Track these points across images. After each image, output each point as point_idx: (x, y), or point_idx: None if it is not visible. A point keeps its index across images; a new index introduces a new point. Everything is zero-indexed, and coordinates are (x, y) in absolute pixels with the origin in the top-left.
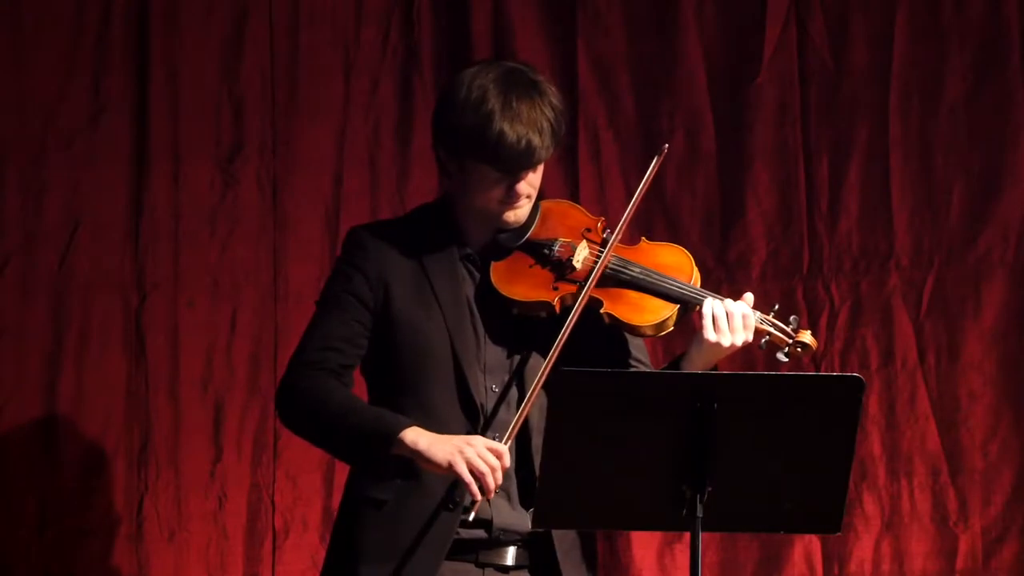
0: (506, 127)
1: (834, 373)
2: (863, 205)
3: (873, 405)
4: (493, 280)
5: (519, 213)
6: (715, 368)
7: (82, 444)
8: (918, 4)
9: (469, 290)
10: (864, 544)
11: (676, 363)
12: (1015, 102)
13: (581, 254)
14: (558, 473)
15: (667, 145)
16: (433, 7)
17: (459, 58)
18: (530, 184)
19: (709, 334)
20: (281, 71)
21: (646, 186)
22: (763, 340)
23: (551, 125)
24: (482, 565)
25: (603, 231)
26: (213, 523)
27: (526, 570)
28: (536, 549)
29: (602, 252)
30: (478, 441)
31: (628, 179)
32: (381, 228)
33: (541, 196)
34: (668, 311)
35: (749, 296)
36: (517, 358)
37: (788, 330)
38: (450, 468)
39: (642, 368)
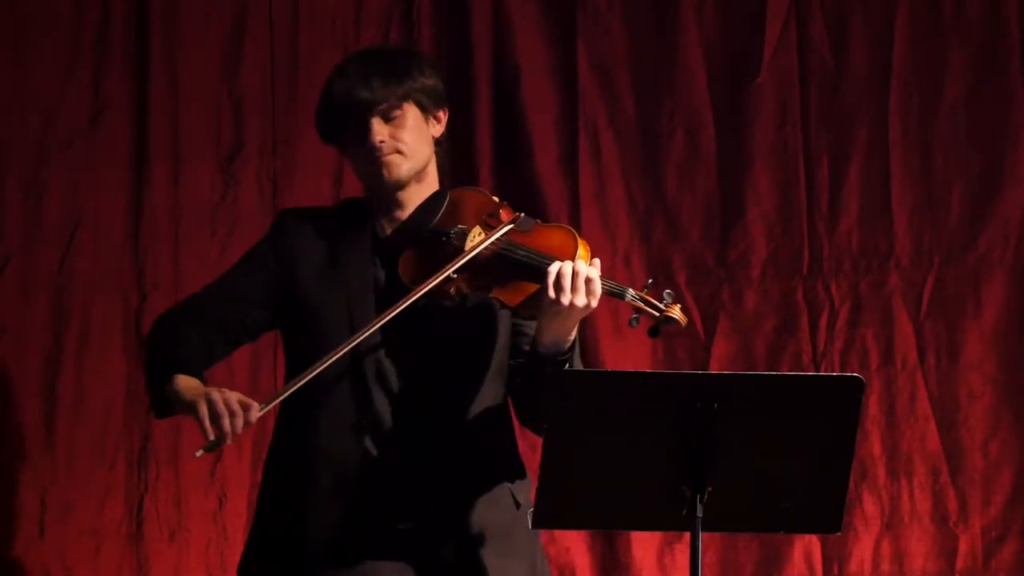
0: (336, 83)
1: (834, 373)
2: (863, 205)
3: (873, 405)
4: (399, 271)
5: (392, 170)
6: (575, 343)
7: (82, 444)
8: (918, 4)
9: (381, 281)
10: (864, 544)
11: (533, 340)
12: (1015, 102)
13: (473, 240)
14: (558, 473)
15: (522, 214)
16: (433, 7)
17: (459, 58)
18: (388, 135)
19: (550, 291)
20: (281, 71)
21: (501, 234)
22: (632, 318)
23: (384, 77)
24: (419, 563)
25: (506, 216)
26: (213, 523)
27: (463, 563)
28: (459, 540)
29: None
30: (231, 392)
31: (628, 179)
32: (306, 213)
33: (451, 183)
34: None
35: (596, 262)
36: (428, 347)
37: (660, 305)
38: (192, 404)
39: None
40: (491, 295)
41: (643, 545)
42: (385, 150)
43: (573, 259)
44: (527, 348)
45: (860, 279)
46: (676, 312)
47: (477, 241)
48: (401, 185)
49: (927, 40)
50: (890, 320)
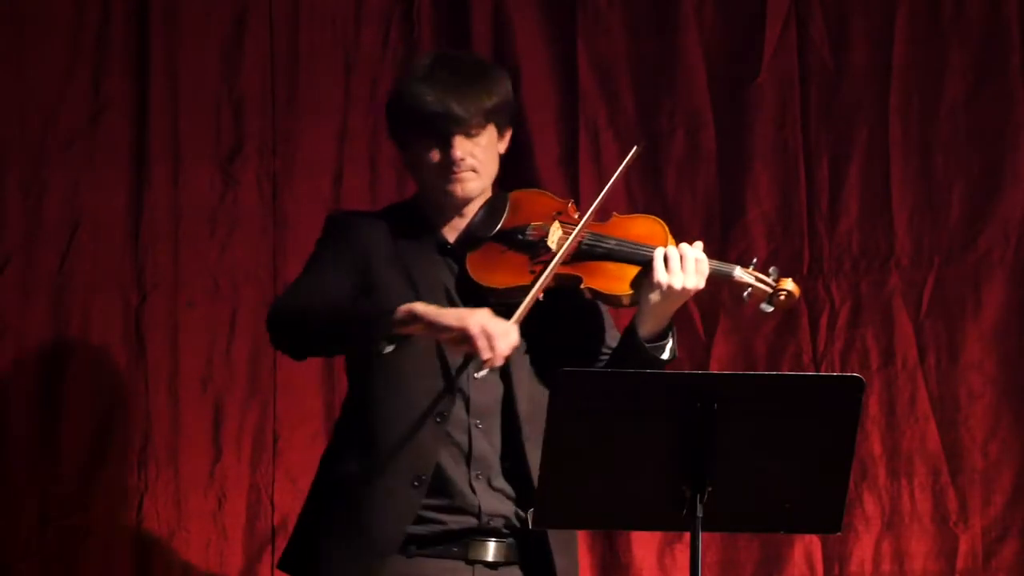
0: (425, 89)
1: (834, 373)
2: (863, 205)
3: (873, 405)
4: (470, 271)
5: (465, 186)
6: (671, 323)
7: (82, 444)
8: (918, 4)
9: (449, 281)
10: (864, 544)
11: (631, 325)
12: (1015, 102)
13: (555, 235)
14: (558, 473)
15: (641, 143)
16: (433, 7)
17: None
18: (468, 153)
19: (660, 274)
20: (281, 71)
21: (621, 172)
22: (745, 293)
23: (476, 94)
24: (472, 562)
25: (574, 212)
26: (213, 523)
27: (517, 566)
28: (526, 541)
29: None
30: (484, 312)
31: (628, 179)
32: (360, 214)
33: (510, 186)
34: None
35: (698, 243)
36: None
37: (769, 280)
38: (461, 326)
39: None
40: (582, 286)
41: (643, 545)
42: (463, 167)
43: (666, 244)
44: (604, 341)
45: (860, 279)
46: (789, 284)
47: (563, 234)
48: (469, 200)
49: (927, 40)
50: (890, 320)
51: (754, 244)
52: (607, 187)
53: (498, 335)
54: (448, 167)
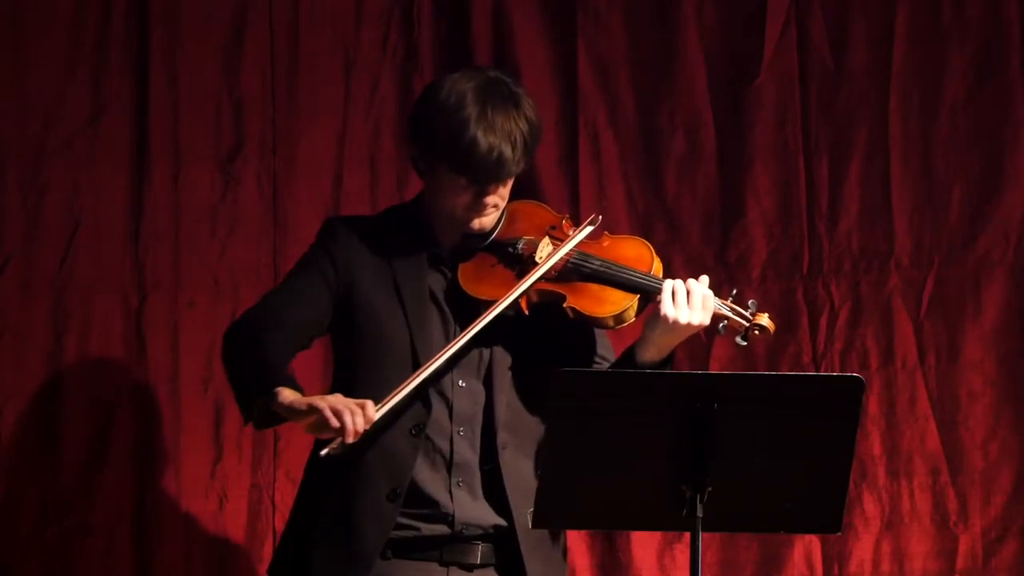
0: (479, 135)
1: (834, 373)
2: (863, 205)
3: (873, 405)
4: (460, 281)
5: (484, 221)
6: (672, 355)
7: (82, 444)
8: (918, 4)
9: (440, 290)
10: (864, 544)
11: (631, 350)
12: (1015, 102)
13: (544, 250)
14: (558, 473)
15: (600, 216)
16: (433, 7)
17: (459, 58)
18: (499, 196)
19: (667, 308)
20: (281, 71)
21: (578, 232)
22: (721, 324)
23: (524, 139)
24: (446, 564)
25: (568, 228)
26: (214, 523)
27: (492, 568)
28: (501, 546)
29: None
30: (343, 397)
31: (628, 179)
32: (355, 221)
33: (514, 197)
34: (628, 301)
35: (704, 278)
36: (488, 357)
37: (746, 314)
38: (309, 408)
39: (605, 365)
40: (565, 305)
41: (643, 545)
42: (490, 209)
43: (651, 269)
44: (590, 358)
45: (860, 279)
46: (764, 319)
47: (552, 251)
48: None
49: (927, 40)
50: (890, 320)
51: (754, 244)
52: (567, 248)
53: (344, 412)
54: (475, 208)
